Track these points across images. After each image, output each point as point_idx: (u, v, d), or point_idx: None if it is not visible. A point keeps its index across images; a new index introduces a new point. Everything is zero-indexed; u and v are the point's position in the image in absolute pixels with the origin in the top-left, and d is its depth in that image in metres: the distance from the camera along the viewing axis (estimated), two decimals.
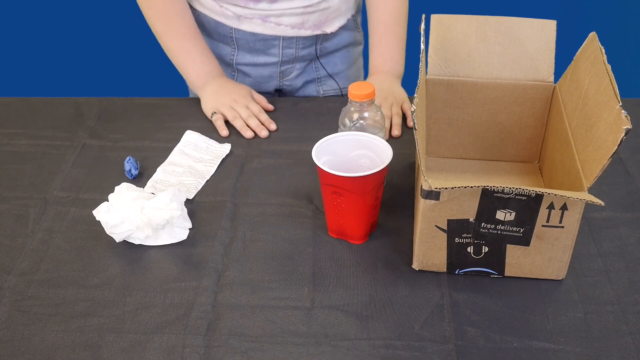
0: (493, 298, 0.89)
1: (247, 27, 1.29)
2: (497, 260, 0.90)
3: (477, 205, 0.85)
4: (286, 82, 1.40)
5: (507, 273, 0.92)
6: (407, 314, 0.87)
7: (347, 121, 1.05)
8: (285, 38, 1.31)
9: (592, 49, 0.95)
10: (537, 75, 1.05)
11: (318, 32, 1.32)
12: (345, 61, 1.42)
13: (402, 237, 0.99)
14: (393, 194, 1.05)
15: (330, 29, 1.33)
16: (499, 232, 0.87)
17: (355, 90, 1.02)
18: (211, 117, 1.23)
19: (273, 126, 1.23)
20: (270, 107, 1.28)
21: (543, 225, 0.86)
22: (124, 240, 0.98)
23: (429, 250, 0.91)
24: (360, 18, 1.43)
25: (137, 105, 1.29)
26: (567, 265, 0.90)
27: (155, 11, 1.27)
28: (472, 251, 0.90)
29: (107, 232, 0.96)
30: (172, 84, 2.18)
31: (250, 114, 1.24)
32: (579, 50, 0.99)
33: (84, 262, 0.96)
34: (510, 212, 0.85)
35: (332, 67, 1.41)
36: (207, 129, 1.21)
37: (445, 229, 0.88)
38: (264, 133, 1.21)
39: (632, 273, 0.93)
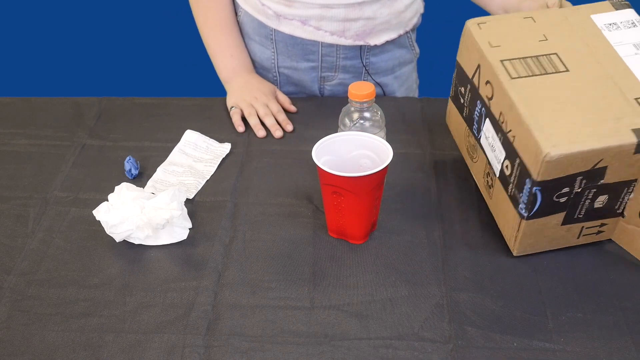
0: (493, 298, 0.89)
1: (286, 28, 1.27)
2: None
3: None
4: (327, 87, 1.36)
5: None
6: (407, 314, 0.87)
7: (347, 121, 1.05)
8: (324, 44, 1.28)
9: None
10: None
11: (361, 42, 1.27)
12: (398, 80, 1.38)
13: (402, 237, 0.99)
14: (393, 194, 1.05)
15: (375, 41, 1.28)
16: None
17: (355, 90, 1.02)
18: (230, 111, 1.24)
19: (289, 127, 1.21)
20: (293, 108, 1.27)
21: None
22: (124, 240, 0.98)
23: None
24: (416, 35, 1.37)
25: (137, 105, 1.29)
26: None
27: (196, 1, 1.30)
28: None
29: (107, 232, 0.96)
30: (172, 84, 2.19)
31: (268, 112, 1.23)
32: None
33: (84, 262, 0.96)
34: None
35: (384, 85, 1.37)
36: (207, 128, 1.21)
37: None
38: (278, 133, 1.20)
39: (631, 273, 0.93)
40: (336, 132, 1.00)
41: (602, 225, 0.94)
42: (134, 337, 0.85)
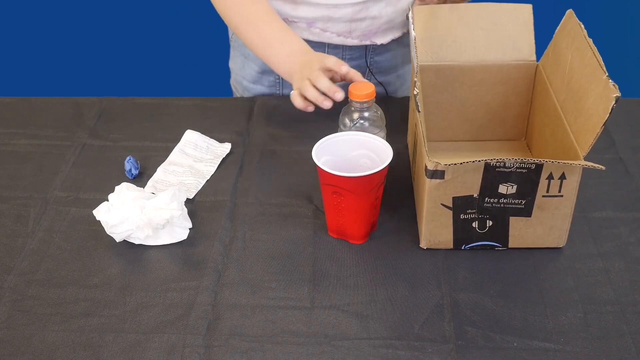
0: (493, 298, 0.89)
1: None
2: (501, 233, 0.94)
3: (480, 180, 0.88)
4: None
5: (511, 245, 0.95)
6: (407, 314, 0.87)
7: (347, 121, 1.05)
8: (330, 46, 1.27)
9: (570, 25, 0.98)
10: (519, 55, 1.09)
11: (367, 42, 1.27)
12: (400, 78, 1.38)
13: (402, 237, 0.99)
14: (393, 194, 1.05)
15: (381, 40, 1.28)
16: (502, 205, 0.91)
17: (355, 90, 1.02)
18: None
19: (339, 95, 1.06)
20: (344, 69, 1.09)
21: (543, 196, 0.90)
22: (124, 240, 0.98)
23: (435, 228, 0.94)
24: None
25: (137, 105, 1.29)
26: (567, 232, 0.95)
27: (223, 4, 1.20)
28: (476, 226, 0.93)
29: (107, 232, 0.96)
30: (172, 84, 2.19)
31: (308, 84, 1.09)
32: (558, 28, 1.03)
33: (84, 262, 0.96)
34: (512, 185, 0.88)
35: (386, 84, 1.37)
36: (207, 128, 1.21)
37: (451, 206, 0.91)
38: (326, 104, 1.07)
39: (632, 273, 0.93)
40: (336, 132, 1.00)
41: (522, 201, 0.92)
42: (134, 337, 0.85)
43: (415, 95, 0.89)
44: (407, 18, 1.02)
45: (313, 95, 1.09)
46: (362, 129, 1.04)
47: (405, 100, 1.30)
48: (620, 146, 1.16)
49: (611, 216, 1.02)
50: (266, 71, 1.33)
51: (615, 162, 1.12)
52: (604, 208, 1.03)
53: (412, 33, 0.98)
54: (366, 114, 1.04)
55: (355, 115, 1.04)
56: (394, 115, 1.23)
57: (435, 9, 1.09)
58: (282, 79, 1.33)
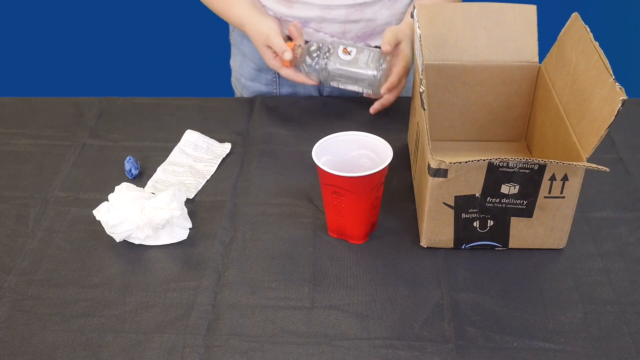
0: (493, 298, 0.89)
1: (286, 30, 1.25)
2: (502, 233, 0.94)
3: (483, 180, 0.88)
4: (327, 87, 1.34)
5: (511, 245, 0.95)
6: (407, 314, 0.87)
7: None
8: None
9: (576, 28, 0.98)
10: (522, 56, 1.09)
11: (361, 44, 1.27)
12: None
13: (402, 237, 0.99)
14: (393, 194, 1.05)
15: (376, 42, 1.27)
16: (504, 205, 0.91)
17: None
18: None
19: (287, 55, 1.17)
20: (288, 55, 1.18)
21: (545, 197, 0.90)
22: (124, 240, 0.98)
23: (437, 227, 0.94)
24: None
25: (137, 105, 1.29)
26: (568, 234, 0.94)
27: None
28: (478, 226, 0.93)
29: (107, 232, 0.96)
30: (172, 84, 2.19)
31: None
32: (563, 30, 1.02)
33: (84, 262, 0.96)
34: (515, 186, 0.88)
35: None
36: (207, 128, 1.21)
37: (453, 205, 0.91)
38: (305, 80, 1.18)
39: (632, 273, 0.93)
40: (336, 132, 1.00)
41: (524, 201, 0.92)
42: (134, 337, 0.85)
43: (421, 93, 0.89)
44: (412, 16, 1.02)
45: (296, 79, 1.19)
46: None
47: (405, 100, 1.30)
48: (620, 146, 1.16)
49: (611, 216, 1.02)
50: (263, 69, 1.34)
51: (615, 162, 1.12)
52: (604, 208, 1.03)
53: (417, 31, 0.98)
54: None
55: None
56: (393, 115, 1.23)
57: (438, 8, 1.09)
58: (279, 76, 1.33)
